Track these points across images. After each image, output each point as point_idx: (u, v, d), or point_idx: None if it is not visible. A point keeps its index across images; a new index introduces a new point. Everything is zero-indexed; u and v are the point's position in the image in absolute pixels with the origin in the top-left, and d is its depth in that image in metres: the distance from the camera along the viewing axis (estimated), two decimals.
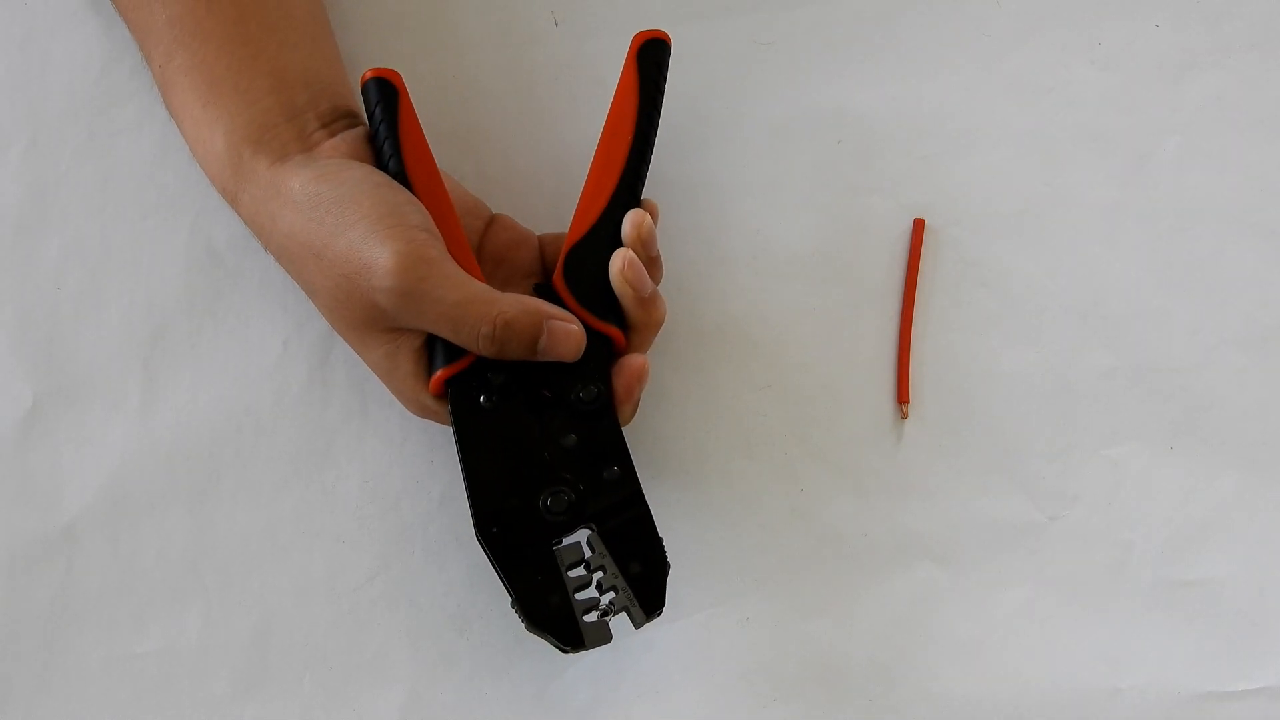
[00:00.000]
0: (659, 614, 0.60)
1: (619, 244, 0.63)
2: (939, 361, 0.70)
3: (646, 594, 0.60)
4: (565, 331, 0.61)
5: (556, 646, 0.59)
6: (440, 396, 0.62)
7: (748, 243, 0.71)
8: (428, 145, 0.64)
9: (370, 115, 0.65)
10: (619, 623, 0.60)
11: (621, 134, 0.65)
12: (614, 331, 0.63)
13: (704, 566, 0.67)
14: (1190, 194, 0.72)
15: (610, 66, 0.67)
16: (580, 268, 0.63)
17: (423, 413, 0.64)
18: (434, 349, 0.61)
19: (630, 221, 0.63)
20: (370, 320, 0.60)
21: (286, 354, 0.68)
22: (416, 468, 0.67)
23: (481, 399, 0.61)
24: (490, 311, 0.59)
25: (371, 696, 0.66)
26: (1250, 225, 0.72)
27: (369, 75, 0.64)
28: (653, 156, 0.66)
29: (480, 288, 0.60)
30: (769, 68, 0.72)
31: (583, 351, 0.61)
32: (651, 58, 0.66)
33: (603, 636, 0.59)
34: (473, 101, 0.72)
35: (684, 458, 0.68)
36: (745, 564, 0.67)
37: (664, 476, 0.67)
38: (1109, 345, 0.70)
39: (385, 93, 0.64)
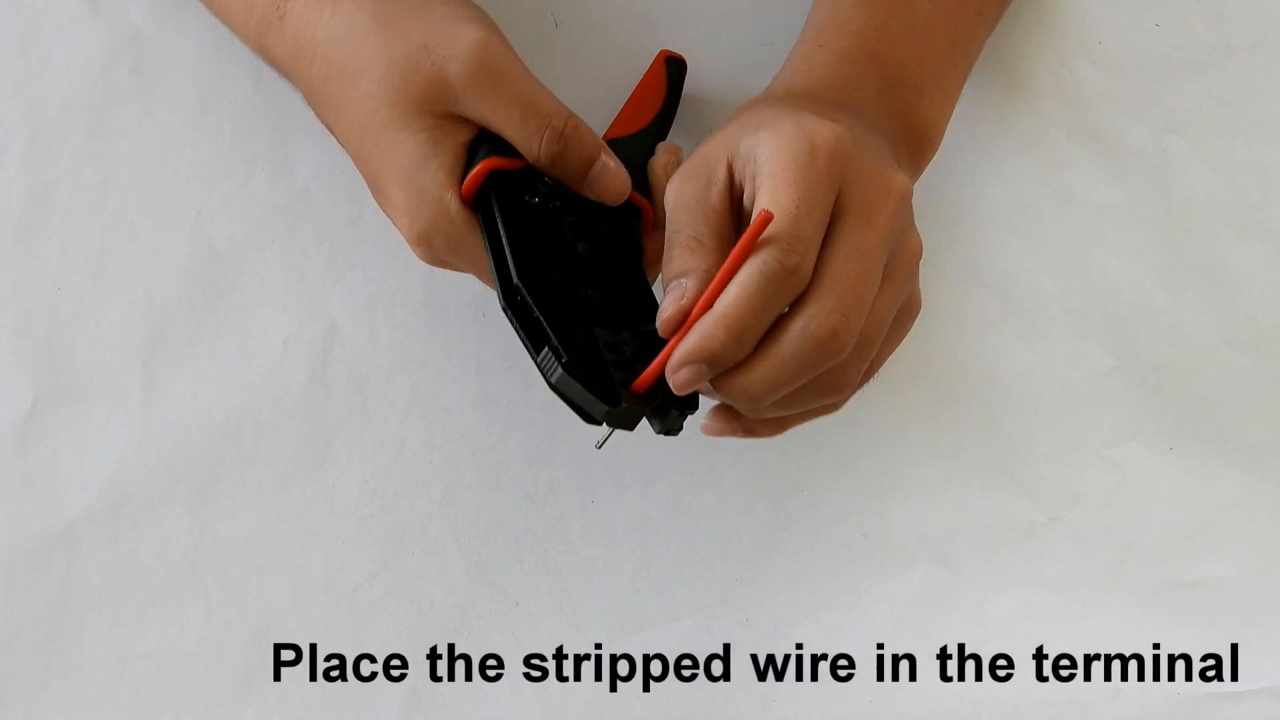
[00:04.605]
0: (691, 413, 0.56)
1: (653, 154, 0.63)
2: (939, 361, 0.69)
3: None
4: (615, 170, 0.60)
5: (585, 409, 0.54)
6: (468, 204, 0.58)
7: None
8: None
9: None
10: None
11: (651, 97, 0.66)
12: (647, 206, 0.62)
13: (704, 566, 0.67)
14: (1190, 194, 0.72)
15: (610, 68, 0.67)
16: (618, 155, 0.62)
17: (435, 223, 0.59)
18: (477, 150, 0.59)
19: (664, 147, 0.63)
20: (426, 98, 0.58)
21: (286, 354, 0.68)
22: (416, 468, 0.67)
23: (526, 197, 0.59)
24: (564, 110, 0.59)
25: (371, 696, 0.66)
26: (1250, 225, 0.72)
27: None
28: None
29: (553, 95, 0.59)
30: (769, 68, 0.72)
31: (623, 200, 0.60)
32: (674, 68, 0.67)
33: (637, 410, 0.54)
34: None
35: (684, 458, 0.68)
36: (745, 564, 0.67)
37: (664, 477, 0.67)
38: (1109, 345, 0.70)
39: None
